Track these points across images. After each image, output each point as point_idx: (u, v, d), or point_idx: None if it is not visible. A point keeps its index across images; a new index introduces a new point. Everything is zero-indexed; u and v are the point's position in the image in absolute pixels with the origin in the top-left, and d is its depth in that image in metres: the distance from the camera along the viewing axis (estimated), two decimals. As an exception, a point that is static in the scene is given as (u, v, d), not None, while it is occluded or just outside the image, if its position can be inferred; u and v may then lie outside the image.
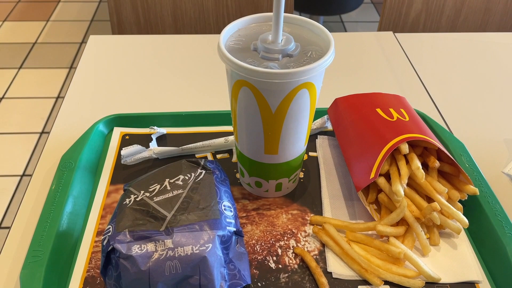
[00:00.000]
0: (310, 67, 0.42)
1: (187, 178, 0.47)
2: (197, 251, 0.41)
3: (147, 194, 0.46)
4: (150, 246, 0.42)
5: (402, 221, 0.49)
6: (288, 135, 0.47)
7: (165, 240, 0.42)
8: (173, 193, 0.46)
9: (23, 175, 1.66)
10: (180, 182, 0.47)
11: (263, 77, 0.42)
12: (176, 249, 0.41)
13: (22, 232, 0.51)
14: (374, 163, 0.49)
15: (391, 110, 0.55)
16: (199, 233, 0.42)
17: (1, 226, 1.51)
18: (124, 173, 0.57)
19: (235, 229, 0.45)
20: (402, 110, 0.56)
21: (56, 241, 0.47)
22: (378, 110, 0.55)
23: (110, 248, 0.42)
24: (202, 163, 0.49)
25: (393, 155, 0.51)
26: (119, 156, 0.59)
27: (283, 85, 0.42)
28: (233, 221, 0.45)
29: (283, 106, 0.44)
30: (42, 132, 1.81)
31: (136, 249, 0.41)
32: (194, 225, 0.43)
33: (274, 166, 0.51)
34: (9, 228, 0.51)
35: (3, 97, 1.97)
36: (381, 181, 0.50)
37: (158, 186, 0.46)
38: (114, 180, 0.57)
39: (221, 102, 0.69)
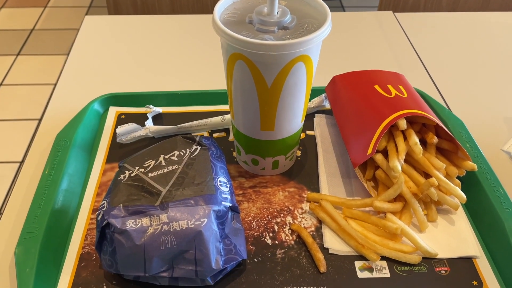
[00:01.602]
0: (306, 39, 0.41)
1: (182, 154, 0.47)
2: (192, 226, 0.41)
3: (142, 170, 0.45)
4: (145, 221, 0.41)
5: (400, 197, 0.49)
6: (285, 110, 0.47)
7: (160, 215, 0.41)
8: (168, 169, 0.45)
9: (22, 161, 1.66)
10: (175, 158, 0.46)
11: (258, 49, 0.41)
12: (171, 224, 0.41)
13: (16, 211, 0.51)
14: (371, 139, 0.49)
15: (389, 86, 0.54)
16: (194, 208, 0.42)
17: (0, 212, 1.51)
18: (120, 152, 0.57)
19: (230, 205, 0.44)
20: (400, 87, 0.55)
21: (51, 218, 0.47)
22: (376, 86, 0.54)
23: (104, 223, 0.42)
24: (197, 139, 0.48)
25: (391, 131, 0.51)
26: (114, 135, 0.59)
27: (278, 58, 0.42)
28: (228, 196, 0.45)
29: (279, 80, 0.44)
30: (41, 119, 1.81)
31: (131, 224, 0.41)
32: (189, 200, 0.43)
33: (270, 143, 0.50)
34: None
35: (1, 84, 1.96)
36: (379, 157, 0.49)
37: (153, 162, 0.46)
38: (109, 159, 0.56)
39: (218, 81, 0.69)
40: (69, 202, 0.50)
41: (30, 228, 0.46)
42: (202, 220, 0.42)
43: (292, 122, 0.49)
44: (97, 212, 0.43)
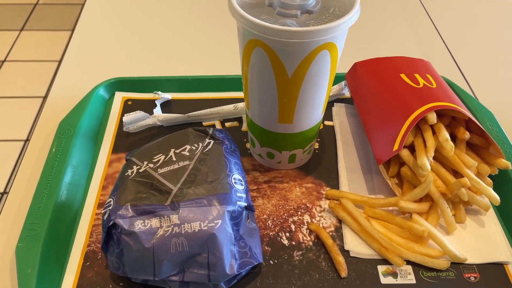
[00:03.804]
0: (332, 25, 0.37)
1: (194, 148, 0.43)
2: (205, 228, 0.38)
3: (151, 165, 0.42)
4: (154, 222, 0.38)
5: (426, 197, 0.46)
6: (305, 102, 0.43)
7: (171, 216, 0.38)
8: (179, 165, 0.42)
9: (27, 140, 1.64)
10: (186, 153, 0.43)
11: (279, 36, 0.37)
12: (182, 226, 0.38)
13: (18, 203, 0.48)
14: (397, 134, 0.45)
15: (417, 75, 0.50)
16: (208, 208, 0.39)
17: (6, 191, 1.50)
18: (127, 141, 0.54)
19: (246, 204, 0.41)
20: (428, 76, 0.51)
21: (54, 213, 0.44)
22: (403, 75, 0.50)
23: (111, 223, 0.39)
24: (210, 132, 0.45)
25: (418, 125, 0.47)
26: (121, 123, 0.56)
27: (301, 46, 0.38)
28: (244, 195, 0.42)
29: (300, 69, 0.40)
30: (45, 96, 1.78)
31: (139, 225, 0.38)
32: (202, 200, 0.39)
33: (288, 136, 0.47)
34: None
35: (4, 60, 1.93)
36: (405, 153, 0.46)
37: (163, 156, 0.43)
38: (116, 149, 0.53)
39: (231, 66, 0.65)
40: (73, 195, 0.47)
41: (31, 224, 0.43)
42: (215, 221, 0.38)
43: (312, 115, 0.45)
44: (103, 211, 0.40)
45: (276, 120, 0.45)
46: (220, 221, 0.39)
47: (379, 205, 0.46)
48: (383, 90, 0.50)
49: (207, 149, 0.43)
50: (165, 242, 0.38)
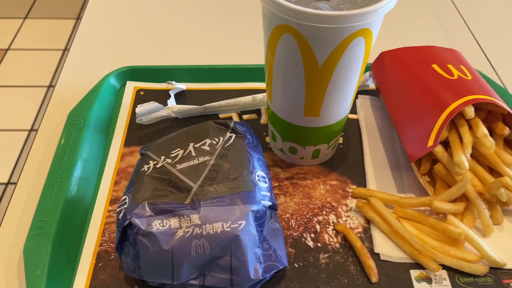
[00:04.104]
0: (370, 10, 0.34)
1: (214, 142, 0.40)
2: (228, 229, 0.35)
3: (169, 161, 0.39)
4: (173, 222, 0.36)
5: (461, 197, 0.43)
6: (334, 94, 0.40)
7: (191, 215, 0.36)
8: (198, 160, 0.39)
9: (31, 129, 1.61)
10: (206, 147, 0.40)
11: (311, 21, 0.34)
12: (204, 226, 0.35)
13: (25, 198, 0.45)
14: (431, 129, 0.42)
15: (450, 66, 0.47)
16: (230, 208, 0.36)
17: (10, 182, 1.48)
18: (139, 134, 0.51)
19: (270, 203, 0.38)
20: (462, 67, 0.48)
21: (63, 210, 0.42)
22: (435, 66, 0.47)
23: (126, 222, 0.36)
24: (231, 125, 0.41)
25: (452, 120, 0.44)
26: (133, 114, 0.53)
27: (336, 32, 0.34)
28: (268, 193, 0.39)
29: (332, 58, 0.37)
30: (50, 86, 1.75)
31: (157, 225, 0.35)
32: (224, 198, 0.37)
33: (313, 130, 0.44)
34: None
35: (8, 49, 1.89)
36: (439, 150, 0.43)
37: (182, 151, 0.40)
38: (128, 141, 0.50)
39: (250, 55, 0.61)
40: (84, 191, 0.45)
41: (40, 222, 0.40)
42: (239, 222, 0.36)
43: (340, 108, 0.42)
44: (118, 209, 0.37)
45: (302, 113, 0.42)
46: (243, 221, 0.36)
47: (411, 205, 0.43)
48: (414, 81, 0.46)
49: (228, 143, 0.40)
50: (185, 243, 0.35)
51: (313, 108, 0.41)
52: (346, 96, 0.41)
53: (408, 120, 0.45)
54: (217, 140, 0.40)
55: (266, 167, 0.42)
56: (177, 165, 0.39)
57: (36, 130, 0.52)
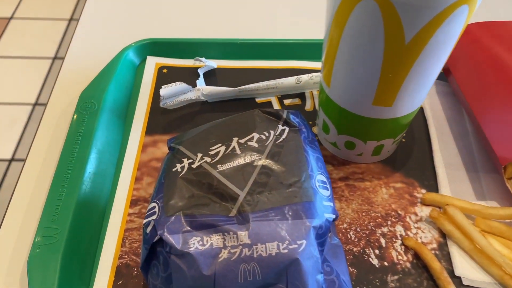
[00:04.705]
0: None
1: (263, 137, 0.32)
2: (285, 251, 0.28)
3: (208, 159, 0.31)
4: (216, 240, 0.28)
5: (561, 209, 0.35)
6: (417, 79, 0.32)
7: (238, 232, 0.28)
8: (245, 160, 0.31)
9: (36, 103, 1.53)
10: (254, 144, 0.32)
11: (409, -17, 0.25)
12: (254, 247, 0.28)
13: (29, 196, 0.38)
14: (529, 124, 0.34)
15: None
16: (287, 224, 0.28)
17: (14, 158, 1.41)
18: (163, 120, 0.43)
19: (334, 216, 0.31)
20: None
21: (75, 214, 0.34)
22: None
23: (156, 238, 0.28)
24: (284, 115, 0.33)
25: (550, 113, 0.36)
26: (155, 96, 0.45)
27: (439, -2, 0.26)
28: (331, 204, 0.31)
29: (425, 33, 0.28)
30: (55, 58, 1.66)
31: (195, 244, 0.28)
32: (279, 211, 0.29)
33: (380, 122, 0.36)
34: (22, 160, 0.39)
35: (11, 18, 1.80)
36: (535, 150, 0.35)
37: (223, 147, 0.32)
38: (150, 129, 0.42)
39: (294, 26, 0.52)
40: (100, 190, 0.37)
41: (47, 230, 0.33)
42: (298, 242, 0.28)
43: (418, 96, 0.34)
44: (144, 221, 0.30)
45: (370, 101, 0.34)
46: (304, 241, 0.28)
47: (498, 217, 0.35)
48: (509, 64, 0.38)
49: (281, 139, 0.32)
50: (231, 268, 0.27)
51: (387, 96, 0.33)
52: (428, 82, 0.33)
53: (499, 113, 0.37)
54: (267, 134, 0.32)
55: (326, 169, 0.34)
56: (218, 166, 0.31)
57: (43, 105, 0.44)
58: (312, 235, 0.29)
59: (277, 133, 0.32)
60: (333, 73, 0.35)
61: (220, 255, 0.28)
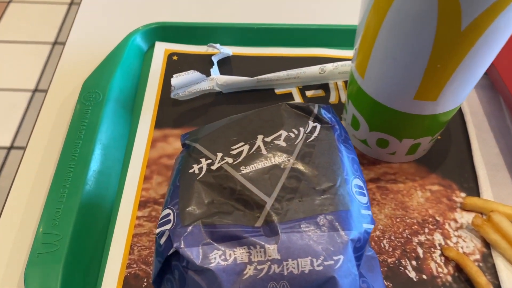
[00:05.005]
0: None
1: (293, 135, 0.28)
2: (320, 268, 0.24)
3: (229, 160, 0.27)
4: (240, 254, 0.24)
5: None
6: (469, 70, 0.28)
7: (266, 246, 0.24)
8: (272, 161, 0.27)
9: (36, 90, 1.49)
10: (282, 143, 0.28)
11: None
12: (285, 263, 0.24)
13: (28, 195, 0.34)
14: None
15: None
16: (323, 236, 0.25)
17: (13, 146, 1.37)
18: (174, 112, 0.39)
19: (373, 226, 0.27)
20: None
21: (79, 218, 0.31)
22: None
23: (172, 251, 0.25)
24: (315, 110, 0.29)
25: None
26: (165, 86, 0.41)
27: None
28: (369, 212, 0.27)
29: (485, 17, 0.24)
30: (55, 43, 1.61)
31: (217, 258, 0.24)
32: (313, 221, 0.25)
33: (420, 118, 0.32)
34: (22, 149, 0.35)
35: (10, 1, 1.75)
36: None
37: (246, 147, 0.28)
38: (159, 122, 0.38)
39: (317, 10, 0.48)
40: (105, 190, 0.33)
41: (47, 236, 0.29)
42: (335, 258, 0.24)
43: (466, 89, 0.30)
44: (157, 230, 0.26)
45: (412, 95, 0.30)
46: (341, 256, 0.25)
47: (549, 226, 0.31)
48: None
49: (312, 137, 0.28)
50: (258, 287, 0.24)
51: (431, 89, 0.29)
52: (478, 74, 0.29)
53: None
54: (296, 132, 0.28)
55: (361, 171, 0.30)
56: (241, 168, 0.27)
57: (43, 91, 0.40)
58: (350, 249, 0.25)
59: (308, 130, 0.29)
60: (369, 63, 0.31)
61: (245, 272, 0.24)
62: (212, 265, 0.24)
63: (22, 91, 1.49)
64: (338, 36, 0.43)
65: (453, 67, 0.27)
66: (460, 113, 0.40)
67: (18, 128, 1.42)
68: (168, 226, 0.26)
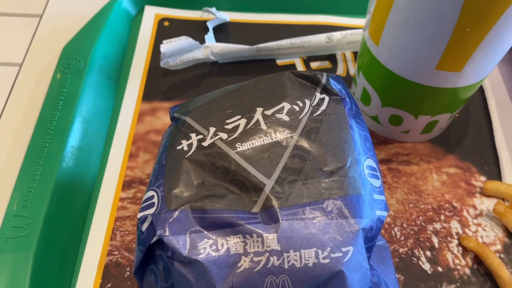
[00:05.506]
0: None
1: (297, 108, 0.25)
2: (326, 261, 0.21)
3: (223, 136, 0.24)
4: (234, 244, 0.21)
5: None
6: (502, 35, 0.24)
7: (264, 235, 0.21)
8: (272, 138, 0.24)
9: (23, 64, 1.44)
10: (284, 117, 0.24)
11: None
12: (285, 254, 0.21)
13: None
14: None
15: None
16: (330, 224, 0.21)
17: (4, 122, 1.33)
18: (164, 83, 0.35)
19: (387, 213, 0.24)
20: None
21: (53, 199, 0.27)
22: None
23: (155, 239, 0.21)
24: (323, 79, 0.26)
25: None
26: (155, 54, 0.37)
27: None
28: (382, 197, 0.24)
29: (531, -30, 0.20)
30: (42, 16, 1.55)
31: (207, 248, 0.21)
32: (319, 207, 0.22)
33: (441, 92, 0.28)
34: None
35: (-1, -30, 1.68)
36: None
37: (243, 120, 0.24)
38: (148, 94, 0.35)
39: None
40: (85, 169, 0.30)
41: (17, 219, 0.26)
42: (343, 249, 0.21)
43: (496, 59, 0.27)
44: (139, 215, 0.23)
45: (434, 64, 0.26)
46: (350, 248, 0.21)
47: None
48: None
49: (319, 110, 0.25)
50: (254, 282, 0.21)
51: (457, 58, 0.25)
52: (511, 42, 0.25)
53: None
54: (301, 104, 0.25)
55: (374, 150, 0.26)
56: (237, 145, 0.23)
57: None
58: (361, 239, 0.22)
59: (314, 103, 0.25)
60: (385, 27, 0.27)
61: (239, 265, 0.21)
62: (201, 256, 0.21)
63: (11, 66, 1.45)
64: (348, 2, 0.39)
65: (484, 31, 0.24)
66: (480, 89, 0.36)
67: (5, 102, 1.37)
68: (151, 211, 0.22)
